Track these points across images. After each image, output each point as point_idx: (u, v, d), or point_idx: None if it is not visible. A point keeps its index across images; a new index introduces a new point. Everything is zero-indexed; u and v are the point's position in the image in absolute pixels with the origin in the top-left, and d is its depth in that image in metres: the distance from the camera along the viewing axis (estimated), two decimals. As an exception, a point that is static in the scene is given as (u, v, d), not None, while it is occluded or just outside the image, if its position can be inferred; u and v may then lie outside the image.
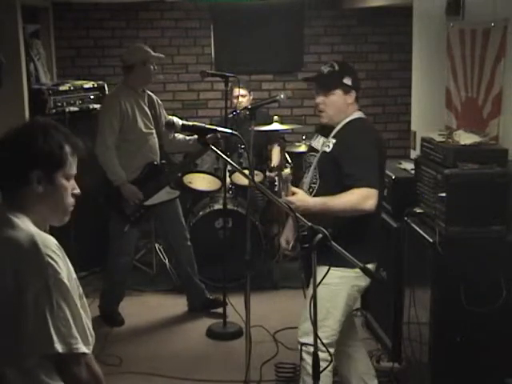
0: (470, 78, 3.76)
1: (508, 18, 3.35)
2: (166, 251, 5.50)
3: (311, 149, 3.29)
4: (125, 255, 4.69)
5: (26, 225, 1.93)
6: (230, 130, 2.82)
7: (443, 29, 4.08)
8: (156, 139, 4.63)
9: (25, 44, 4.99)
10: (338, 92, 3.13)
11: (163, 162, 4.73)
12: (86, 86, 5.44)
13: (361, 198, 2.93)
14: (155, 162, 4.61)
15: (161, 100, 4.85)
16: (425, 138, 3.56)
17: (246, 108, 4.14)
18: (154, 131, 4.60)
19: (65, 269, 1.91)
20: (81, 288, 2.05)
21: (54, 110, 5.07)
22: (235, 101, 5.45)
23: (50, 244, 1.90)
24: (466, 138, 3.29)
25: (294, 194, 2.97)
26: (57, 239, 1.96)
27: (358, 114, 3.18)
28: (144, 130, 4.53)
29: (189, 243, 4.80)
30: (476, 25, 3.68)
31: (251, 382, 3.65)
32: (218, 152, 2.53)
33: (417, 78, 4.73)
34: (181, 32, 6.47)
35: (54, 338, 1.84)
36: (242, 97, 5.43)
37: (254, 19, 6.39)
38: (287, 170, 2.99)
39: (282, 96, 3.87)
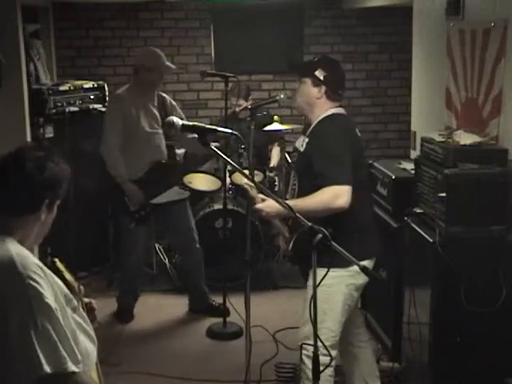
0: (470, 78, 3.76)
1: (508, 18, 3.35)
2: (166, 251, 5.50)
3: (295, 149, 3.30)
4: (132, 254, 4.69)
5: (7, 247, 1.90)
6: (229, 130, 2.82)
7: (443, 29, 4.08)
8: (162, 139, 4.63)
9: (25, 44, 4.98)
10: (308, 82, 3.15)
11: (172, 161, 4.73)
12: (85, 86, 5.43)
13: (331, 196, 2.89)
14: (162, 161, 4.62)
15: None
16: (425, 138, 3.56)
17: (246, 108, 4.14)
18: (160, 131, 4.60)
19: (48, 288, 1.88)
20: (74, 301, 2.03)
21: (53, 110, 5.06)
22: (232, 107, 5.43)
23: (29, 265, 1.87)
24: (465, 138, 3.29)
25: (263, 200, 2.97)
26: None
27: (332, 111, 3.13)
28: (148, 129, 4.52)
29: (198, 245, 4.77)
30: (476, 25, 3.68)
31: (251, 382, 3.65)
32: (218, 152, 2.53)
33: (417, 77, 4.73)
34: (181, 32, 6.47)
35: (42, 359, 1.82)
36: (239, 106, 5.42)
37: (254, 19, 6.39)
38: (245, 181, 3.00)
39: (282, 96, 3.87)
